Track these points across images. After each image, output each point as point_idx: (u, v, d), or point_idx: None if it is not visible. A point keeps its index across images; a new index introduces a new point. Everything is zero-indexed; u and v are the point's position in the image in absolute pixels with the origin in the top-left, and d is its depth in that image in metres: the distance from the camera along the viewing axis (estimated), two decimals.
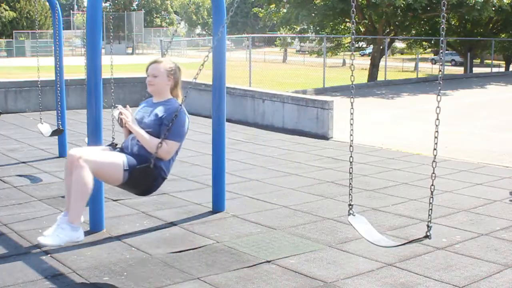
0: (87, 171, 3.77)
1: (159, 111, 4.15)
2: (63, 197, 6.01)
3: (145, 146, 4.02)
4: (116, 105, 4.24)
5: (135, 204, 5.78)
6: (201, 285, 3.89)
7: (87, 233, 4.85)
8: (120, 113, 4.16)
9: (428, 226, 3.64)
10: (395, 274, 4.10)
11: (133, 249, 4.54)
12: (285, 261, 4.32)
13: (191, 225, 5.16)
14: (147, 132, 4.06)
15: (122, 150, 4.18)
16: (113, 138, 6.27)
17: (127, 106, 4.30)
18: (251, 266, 4.23)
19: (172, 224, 5.18)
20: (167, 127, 3.98)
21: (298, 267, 4.21)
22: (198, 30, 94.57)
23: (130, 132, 4.23)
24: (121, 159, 3.94)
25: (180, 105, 4.14)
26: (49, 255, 4.37)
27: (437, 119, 3.69)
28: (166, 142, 3.99)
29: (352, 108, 4.02)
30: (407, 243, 3.99)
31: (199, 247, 4.59)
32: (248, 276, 4.04)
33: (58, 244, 3.73)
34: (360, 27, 26.66)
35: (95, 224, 4.94)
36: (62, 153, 8.05)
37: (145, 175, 3.98)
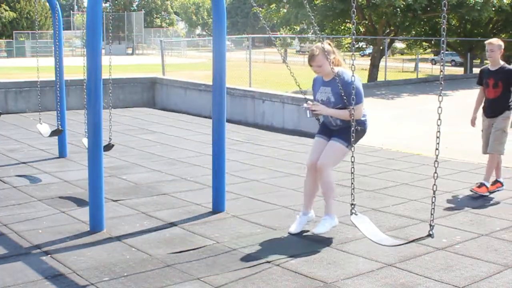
0: (330, 174, 4.82)
1: (336, 87, 4.80)
2: (62, 197, 6.01)
3: (343, 119, 4.82)
4: (304, 106, 4.97)
5: (135, 204, 5.78)
6: (201, 285, 3.89)
7: (87, 234, 4.86)
8: (313, 110, 4.88)
9: (430, 225, 3.64)
10: (395, 274, 4.10)
11: (133, 249, 4.54)
12: (285, 261, 4.32)
13: (191, 225, 5.16)
14: (339, 108, 4.82)
15: (326, 126, 5.04)
16: (110, 138, 6.29)
17: (311, 102, 5.01)
18: (251, 266, 4.22)
19: (172, 224, 5.18)
20: (350, 97, 4.52)
21: (298, 267, 4.21)
22: (198, 30, 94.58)
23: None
24: (341, 145, 4.84)
25: (348, 75, 4.65)
26: (49, 255, 4.36)
27: (439, 119, 3.69)
28: (356, 107, 4.60)
29: (352, 108, 4.02)
30: (409, 242, 3.99)
31: (199, 248, 4.59)
32: (248, 276, 4.04)
33: (326, 230, 4.83)
34: (360, 28, 26.67)
35: (95, 224, 4.94)
36: (62, 153, 8.05)
37: (358, 136, 4.80)
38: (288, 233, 4.91)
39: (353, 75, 4.38)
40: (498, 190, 6.31)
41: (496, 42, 6.22)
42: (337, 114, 4.85)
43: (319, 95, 4.97)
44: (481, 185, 6.19)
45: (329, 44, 5.01)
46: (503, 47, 6.25)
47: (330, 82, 4.88)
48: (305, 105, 4.95)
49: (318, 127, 5.15)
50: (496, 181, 6.35)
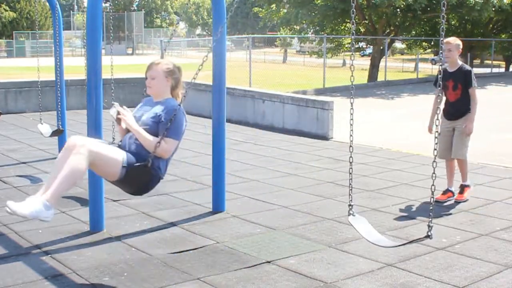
0: (85, 160, 3.71)
1: (158, 109, 4.15)
2: (62, 197, 6.01)
3: (143, 144, 4.01)
4: (113, 103, 4.22)
5: (135, 204, 5.78)
6: (201, 285, 3.89)
7: (87, 234, 4.86)
8: (118, 112, 4.14)
9: (429, 226, 3.64)
10: (395, 274, 4.10)
11: (133, 249, 4.54)
12: (285, 261, 4.32)
13: (191, 225, 5.16)
14: (145, 129, 4.05)
15: (120, 147, 4.14)
16: (113, 138, 6.28)
17: (123, 106, 4.28)
18: (251, 266, 4.23)
19: (172, 224, 5.18)
20: (165, 125, 3.98)
21: (298, 267, 4.21)
22: (198, 30, 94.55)
23: (127, 131, 4.22)
24: (121, 155, 3.93)
25: (179, 104, 4.14)
26: (49, 255, 4.37)
27: (437, 119, 3.70)
28: (165, 140, 3.99)
29: (352, 108, 4.03)
30: (407, 243, 3.99)
31: (199, 248, 4.59)
32: (248, 276, 4.04)
33: (25, 214, 3.48)
34: (360, 28, 26.66)
35: (95, 224, 4.94)
36: None
37: (141, 174, 3.96)
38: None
39: (179, 107, 4.00)
40: (448, 200, 6.00)
41: (453, 42, 5.91)
42: (140, 133, 4.01)
43: (136, 111, 4.29)
44: (462, 190, 6.07)
45: (179, 69, 4.41)
46: (461, 46, 5.95)
47: (156, 103, 4.25)
48: (115, 103, 4.25)
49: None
50: (447, 190, 6.06)
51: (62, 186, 3.64)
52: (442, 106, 5.76)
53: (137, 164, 3.91)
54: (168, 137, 4.00)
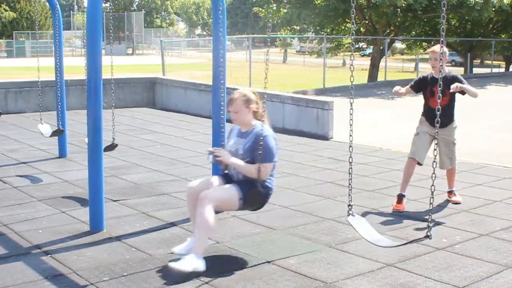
0: (211, 210, 4.13)
1: (248, 140, 4.42)
2: (62, 197, 6.01)
3: (246, 175, 4.32)
4: (208, 150, 4.50)
5: (135, 204, 5.78)
6: (201, 285, 3.89)
7: (87, 234, 4.86)
8: (216, 155, 4.39)
9: (428, 226, 3.64)
10: (395, 274, 4.10)
11: (133, 249, 4.54)
12: (285, 261, 4.32)
13: (191, 225, 5.15)
14: (247, 161, 4.34)
15: (228, 176, 4.47)
16: (113, 138, 6.29)
17: (216, 148, 4.58)
18: (251, 266, 4.23)
19: (172, 224, 5.18)
20: (258, 153, 4.23)
21: (298, 267, 4.21)
22: (198, 30, 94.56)
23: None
24: (236, 192, 4.27)
25: (261, 130, 4.35)
26: (49, 255, 4.37)
27: (437, 119, 3.69)
28: (262, 166, 4.25)
29: (351, 108, 4.02)
30: (407, 243, 3.99)
31: None
32: (248, 276, 4.04)
33: (187, 271, 3.98)
34: (361, 28, 26.66)
35: (95, 224, 4.94)
36: (62, 153, 8.05)
37: (256, 196, 4.31)
38: (171, 252, 4.44)
39: (262, 131, 4.24)
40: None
41: (439, 50, 5.66)
42: (240, 167, 4.32)
43: (230, 145, 4.52)
44: (452, 194, 6.05)
45: (253, 93, 4.61)
46: (447, 54, 5.80)
47: (246, 134, 4.46)
48: (209, 149, 4.53)
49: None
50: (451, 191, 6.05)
51: (202, 238, 4.16)
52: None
53: (250, 191, 4.24)
54: (264, 163, 4.25)
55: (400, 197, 5.80)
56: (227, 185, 4.34)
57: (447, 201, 6.03)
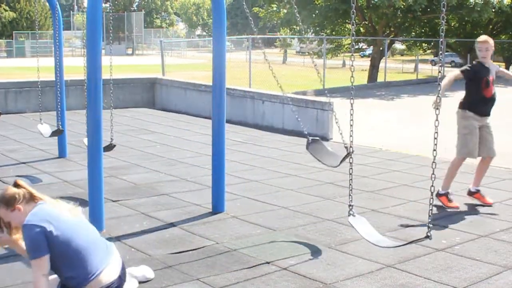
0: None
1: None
2: (62, 197, 6.00)
3: None
4: None
5: (134, 205, 5.78)
6: (200, 286, 3.89)
7: None
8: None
9: (428, 226, 3.64)
10: (394, 275, 4.10)
11: (133, 249, 4.54)
12: (285, 262, 4.32)
13: (191, 226, 5.16)
14: None
15: None
16: (112, 139, 6.29)
17: None
18: (251, 267, 4.23)
19: (172, 225, 5.18)
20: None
21: (297, 268, 4.21)
22: (198, 31, 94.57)
23: None
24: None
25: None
26: None
27: (437, 119, 3.70)
28: (31, 263, 3.38)
29: (352, 109, 4.03)
30: (407, 243, 3.99)
31: (199, 248, 4.59)
32: (247, 277, 4.04)
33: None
34: (360, 28, 26.67)
35: (95, 224, 4.88)
36: (61, 153, 8.05)
37: None
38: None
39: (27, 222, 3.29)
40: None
41: (491, 41, 5.99)
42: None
43: None
44: (474, 192, 6.00)
45: (24, 186, 3.83)
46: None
47: None
48: None
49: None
50: (477, 191, 5.97)
51: None
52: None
53: None
54: (31, 259, 3.35)
55: (448, 195, 5.84)
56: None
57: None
